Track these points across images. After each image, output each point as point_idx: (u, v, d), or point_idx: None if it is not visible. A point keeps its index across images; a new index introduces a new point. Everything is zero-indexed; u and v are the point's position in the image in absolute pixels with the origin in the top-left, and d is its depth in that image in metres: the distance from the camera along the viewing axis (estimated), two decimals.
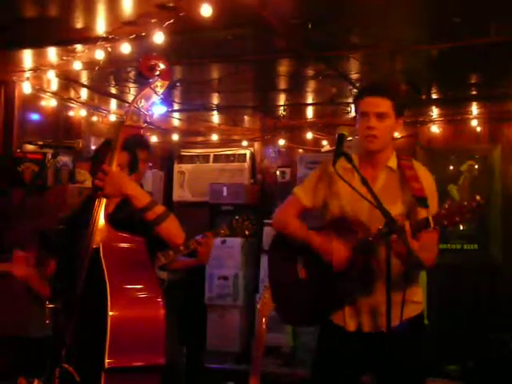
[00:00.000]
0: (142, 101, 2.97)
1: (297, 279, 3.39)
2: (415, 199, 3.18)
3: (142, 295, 2.89)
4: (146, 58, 2.98)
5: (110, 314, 2.73)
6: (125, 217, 3.04)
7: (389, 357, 3.15)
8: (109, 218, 2.99)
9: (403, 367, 3.21)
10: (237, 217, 4.69)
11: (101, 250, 2.87)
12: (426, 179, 3.32)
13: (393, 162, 3.34)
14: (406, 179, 3.25)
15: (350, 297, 3.28)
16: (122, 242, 2.97)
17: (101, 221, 2.92)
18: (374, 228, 3.16)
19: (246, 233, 4.69)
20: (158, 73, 2.97)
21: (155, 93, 2.98)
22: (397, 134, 7.63)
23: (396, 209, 3.10)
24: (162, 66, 2.98)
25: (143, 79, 2.99)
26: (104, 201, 2.94)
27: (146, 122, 2.98)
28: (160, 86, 2.99)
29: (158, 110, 3.06)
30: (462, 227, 3.13)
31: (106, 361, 2.70)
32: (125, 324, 2.76)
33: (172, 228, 3.02)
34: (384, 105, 3.24)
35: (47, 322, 3.48)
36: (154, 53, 3.07)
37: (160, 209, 2.98)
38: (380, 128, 3.22)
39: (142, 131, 2.98)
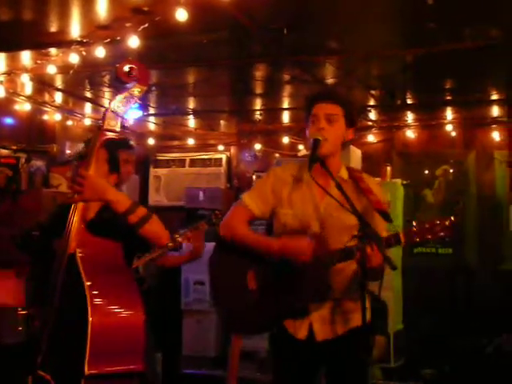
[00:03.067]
0: (120, 105, 2.95)
1: (245, 289, 3.27)
2: (378, 213, 3.14)
3: (121, 301, 2.87)
4: (124, 63, 2.97)
5: (91, 319, 2.70)
6: (107, 221, 3.01)
7: (340, 359, 3.20)
8: (90, 223, 2.97)
9: (352, 365, 3.20)
10: (216, 211, 4.57)
11: (77, 255, 2.85)
12: (379, 191, 3.29)
13: (344, 173, 3.31)
14: (362, 191, 3.22)
15: (302, 309, 3.23)
16: (98, 247, 2.95)
17: (77, 226, 2.89)
18: (331, 242, 3.13)
19: None
20: (135, 77, 2.96)
21: (132, 97, 2.97)
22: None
23: (351, 219, 3.02)
24: (139, 70, 2.96)
25: (121, 84, 2.98)
26: (80, 206, 2.91)
27: (123, 126, 2.96)
28: (137, 90, 2.98)
29: (134, 114, 3.05)
30: (432, 242, 3.13)
31: (86, 367, 2.68)
32: (105, 330, 2.74)
33: (156, 229, 3.00)
34: (334, 109, 3.23)
35: (19, 328, 3.44)
36: (130, 57, 3.05)
37: (142, 211, 2.96)
38: (330, 131, 3.18)
39: (118, 135, 2.96)
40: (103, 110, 3.00)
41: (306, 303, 3.20)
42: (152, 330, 4.00)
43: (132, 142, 4.07)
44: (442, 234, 3.04)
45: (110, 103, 2.98)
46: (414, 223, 3.06)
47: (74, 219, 2.90)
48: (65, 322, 2.87)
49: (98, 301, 2.77)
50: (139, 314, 2.84)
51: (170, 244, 3.91)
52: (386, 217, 3.13)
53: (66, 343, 2.86)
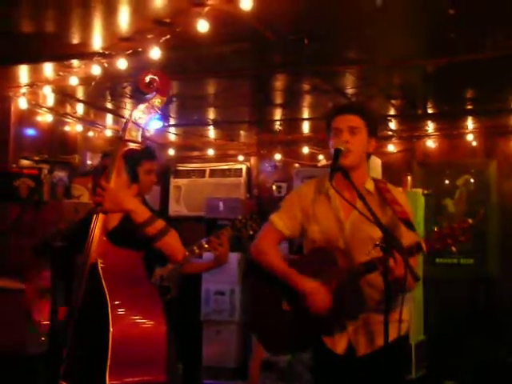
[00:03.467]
0: (140, 116, 2.97)
1: (280, 310, 3.30)
2: (402, 222, 3.14)
3: (143, 312, 2.87)
4: (144, 74, 2.98)
5: (111, 330, 2.70)
6: (128, 232, 3.02)
7: (378, 375, 3.16)
8: (111, 233, 2.98)
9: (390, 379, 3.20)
10: (239, 217, 4.52)
11: (99, 265, 2.86)
12: (405, 202, 3.30)
13: (370, 185, 3.32)
14: (387, 202, 3.22)
15: (339, 326, 3.24)
16: (119, 257, 2.96)
17: (99, 236, 2.90)
18: (355, 256, 3.15)
19: (251, 232, 4.42)
20: (155, 88, 2.97)
21: (153, 108, 2.98)
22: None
23: (377, 232, 3.00)
24: (160, 81, 2.98)
25: (141, 94, 2.99)
26: (101, 216, 2.93)
27: (144, 136, 2.97)
28: (158, 101, 2.99)
29: (154, 124, 3.06)
30: (454, 249, 3.11)
31: (107, 378, 2.68)
32: (126, 340, 2.74)
33: (172, 243, 3.01)
34: (356, 121, 3.25)
35: (43, 339, 3.45)
36: (151, 68, 3.07)
37: (160, 224, 2.96)
38: (353, 142, 3.20)
39: (140, 146, 2.97)
40: (124, 121, 3.01)
41: (341, 319, 3.21)
42: (174, 341, 3.99)
43: (154, 152, 4.07)
44: (461, 238, 3.03)
45: (130, 114, 2.99)
46: (436, 229, 3.05)
47: (96, 230, 2.91)
48: (86, 332, 2.87)
49: (119, 311, 2.77)
50: (161, 325, 2.84)
51: (198, 251, 3.88)
52: (410, 225, 3.12)
53: (87, 353, 2.86)
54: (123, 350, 2.72)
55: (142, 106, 2.99)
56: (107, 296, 2.76)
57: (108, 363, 2.68)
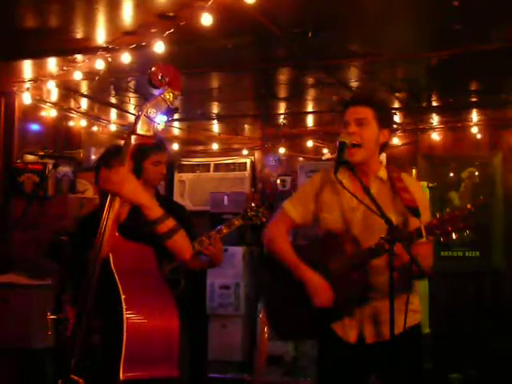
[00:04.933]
0: (153, 110, 2.96)
1: (294, 295, 3.30)
2: (407, 209, 3.14)
3: (156, 306, 2.85)
4: (157, 67, 2.97)
5: (126, 323, 2.68)
6: (138, 226, 3.02)
7: (391, 365, 3.14)
8: (122, 227, 2.97)
9: (405, 374, 3.18)
10: (250, 205, 4.30)
11: (111, 260, 2.85)
12: (417, 190, 3.30)
13: (383, 173, 3.31)
14: (396, 190, 3.22)
15: (348, 312, 3.23)
16: (131, 252, 2.94)
17: (110, 231, 2.89)
18: (364, 244, 3.16)
19: (263, 220, 4.22)
20: (168, 82, 2.97)
21: (165, 102, 2.97)
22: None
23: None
24: (172, 75, 2.97)
25: (153, 88, 2.99)
26: (113, 210, 2.91)
27: (155, 130, 2.96)
28: (170, 95, 2.98)
29: (163, 119, 3.06)
30: (455, 236, 3.09)
31: (121, 372, 2.66)
32: (140, 334, 2.72)
33: (181, 242, 3.00)
34: (364, 112, 3.23)
35: (49, 333, 3.45)
36: (157, 62, 3.06)
37: (171, 222, 2.95)
38: (361, 134, 3.18)
39: (151, 140, 2.97)
40: (129, 115, 3.01)
41: (347, 305, 3.21)
42: (186, 335, 3.99)
43: (163, 143, 4.05)
44: (462, 224, 3.01)
45: (142, 107, 2.98)
46: (438, 215, 3.05)
47: (107, 224, 2.90)
48: (98, 327, 2.87)
49: (133, 305, 2.75)
50: (174, 320, 2.83)
51: (198, 247, 3.85)
52: (414, 212, 3.12)
53: (99, 348, 2.85)
54: (137, 344, 2.70)
55: (153, 100, 2.98)
56: (120, 290, 2.75)
57: (122, 358, 2.66)
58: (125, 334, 2.67)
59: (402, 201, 3.16)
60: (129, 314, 2.72)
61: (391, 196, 3.21)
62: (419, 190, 3.34)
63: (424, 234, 3.02)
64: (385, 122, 3.28)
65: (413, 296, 3.27)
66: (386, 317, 3.13)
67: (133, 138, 2.94)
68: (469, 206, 3.01)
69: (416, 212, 3.11)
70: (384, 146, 3.34)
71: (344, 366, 3.27)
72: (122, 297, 2.73)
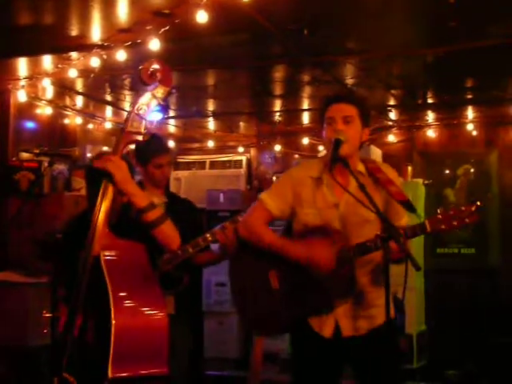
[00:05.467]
0: (143, 107, 2.95)
1: (268, 289, 3.26)
2: (401, 205, 3.14)
3: (145, 303, 2.86)
4: (148, 64, 2.97)
5: (114, 322, 2.69)
6: (129, 222, 3.06)
7: (368, 358, 3.18)
8: (113, 225, 2.98)
9: (382, 364, 3.18)
10: (242, 212, 4.41)
11: (102, 258, 2.85)
12: (395, 177, 3.29)
13: (361, 167, 3.30)
14: (381, 183, 3.22)
15: (328, 307, 3.22)
16: (122, 250, 2.95)
17: (101, 229, 2.89)
18: (351, 238, 3.14)
19: None
20: (158, 79, 2.96)
21: (156, 99, 2.97)
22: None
23: (371, 214, 3.02)
24: (162, 72, 2.96)
25: (144, 85, 2.98)
26: (104, 208, 2.91)
27: (146, 128, 2.96)
28: (161, 92, 2.98)
29: (156, 116, 3.05)
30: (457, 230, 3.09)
31: (110, 370, 2.67)
32: (128, 333, 2.73)
33: (168, 232, 3.07)
34: (350, 110, 3.23)
35: (45, 331, 3.45)
36: (154, 59, 3.05)
37: (158, 212, 3.04)
38: (348, 132, 3.18)
39: (142, 137, 2.97)
40: (124, 113, 3.02)
41: (333, 300, 3.20)
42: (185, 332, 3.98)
43: (163, 145, 4.05)
44: (467, 220, 3.00)
45: (133, 105, 2.98)
46: (439, 211, 3.04)
47: (98, 222, 2.90)
48: (89, 325, 2.87)
49: (121, 303, 2.76)
50: (162, 317, 2.83)
51: (210, 238, 3.81)
52: (410, 207, 3.13)
53: (90, 346, 2.86)
54: (126, 342, 2.71)
55: (144, 97, 2.98)
56: (109, 288, 2.76)
57: (110, 356, 2.67)
58: (112, 332, 2.68)
59: (392, 195, 3.16)
60: (117, 311, 2.72)
61: (373, 188, 3.20)
62: (398, 178, 3.33)
63: (429, 229, 3.03)
64: (367, 120, 3.30)
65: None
66: (364, 311, 3.19)
67: (123, 135, 2.95)
68: (478, 202, 3.01)
69: (411, 207, 3.12)
70: (361, 146, 3.33)
71: (319, 359, 3.26)
72: (111, 294, 2.73)
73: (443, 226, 3.02)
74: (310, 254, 3.15)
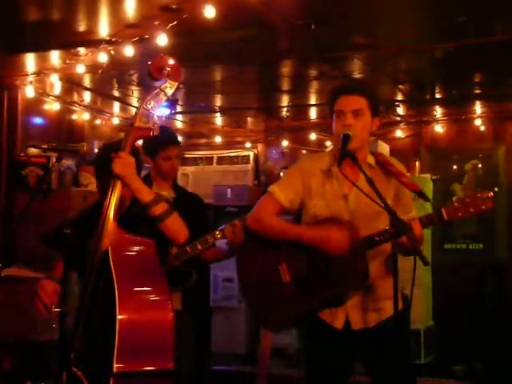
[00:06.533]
0: (152, 102, 2.96)
1: (279, 282, 3.25)
2: (416, 194, 3.15)
3: (150, 299, 2.87)
4: (156, 59, 2.97)
5: (119, 317, 2.70)
6: (137, 218, 3.06)
7: (379, 351, 3.17)
8: (122, 220, 2.98)
9: (394, 358, 3.19)
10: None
11: (110, 253, 2.85)
12: (404, 171, 3.31)
13: (370, 159, 3.29)
14: (393, 174, 3.22)
15: (340, 299, 3.22)
16: (131, 245, 2.95)
17: (110, 224, 2.90)
18: (361, 230, 3.14)
19: None
20: (167, 74, 2.96)
21: (165, 94, 2.97)
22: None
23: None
24: (171, 67, 2.97)
25: (153, 80, 2.98)
26: (116, 195, 2.92)
27: (155, 123, 2.97)
28: (170, 87, 2.98)
29: (165, 111, 3.06)
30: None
31: (115, 365, 2.68)
32: (133, 328, 2.73)
33: (175, 225, 3.08)
34: (359, 102, 3.20)
35: (54, 325, 3.46)
36: (163, 54, 3.05)
37: (164, 206, 3.05)
38: (357, 126, 3.17)
39: (151, 133, 2.97)
40: (132, 108, 3.02)
41: (345, 292, 3.20)
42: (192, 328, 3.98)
43: (172, 137, 4.05)
44: (483, 207, 3.02)
45: (142, 100, 2.99)
46: (454, 199, 3.05)
47: (107, 217, 2.91)
48: (96, 320, 2.88)
49: (127, 299, 2.76)
50: (168, 313, 2.83)
51: (219, 235, 3.82)
52: (424, 197, 3.13)
53: (97, 341, 2.87)
54: (130, 337, 2.71)
55: (153, 92, 2.98)
56: (115, 283, 2.76)
57: (115, 351, 2.68)
58: (117, 327, 2.68)
59: (407, 186, 3.17)
60: (123, 306, 2.73)
61: (384, 180, 3.22)
62: (404, 170, 3.33)
63: (446, 217, 3.04)
64: (376, 110, 3.28)
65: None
66: (374, 304, 3.19)
67: (132, 130, 2.95)
68: (491, 193, 3.03)
69: (425, 197, 3.13)
70: (370, 135, 3.34)
71: (331, 351, 3.26)
72: (116, 289, 2.74)
73: (460, 214, 3.03)
74: (324, 234, 3.14)
